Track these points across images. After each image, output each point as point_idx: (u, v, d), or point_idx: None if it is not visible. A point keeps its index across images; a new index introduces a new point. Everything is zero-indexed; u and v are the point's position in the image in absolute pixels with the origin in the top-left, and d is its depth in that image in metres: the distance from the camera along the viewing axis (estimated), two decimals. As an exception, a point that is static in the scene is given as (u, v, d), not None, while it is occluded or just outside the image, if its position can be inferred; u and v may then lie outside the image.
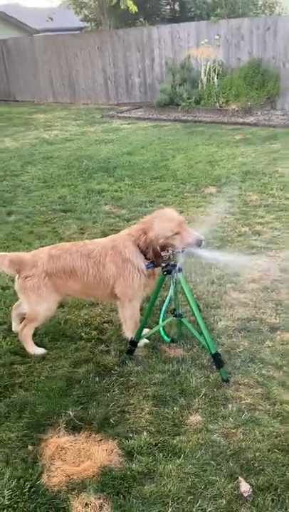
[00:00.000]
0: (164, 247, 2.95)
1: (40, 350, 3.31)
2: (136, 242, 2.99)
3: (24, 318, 3.30)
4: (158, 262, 2.97)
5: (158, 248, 2.91)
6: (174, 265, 2.88)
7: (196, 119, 11.49)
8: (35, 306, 3.17)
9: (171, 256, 2.91)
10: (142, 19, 15.42)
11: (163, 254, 2.89)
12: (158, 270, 3.11)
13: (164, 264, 2.95)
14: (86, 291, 3.29)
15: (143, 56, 14.17)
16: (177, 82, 12.53)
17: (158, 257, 2.94)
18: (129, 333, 3.25)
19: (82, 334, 3.46)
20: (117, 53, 14.69)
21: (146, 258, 3.01)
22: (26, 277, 3.12)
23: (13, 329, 3.52)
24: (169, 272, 2.89)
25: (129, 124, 11.81)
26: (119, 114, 13.03)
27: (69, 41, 15.76)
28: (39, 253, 3.23)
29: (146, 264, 3.02)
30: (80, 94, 16.12)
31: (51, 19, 16.52)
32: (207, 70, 11.96)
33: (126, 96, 15.04)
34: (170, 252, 2.89)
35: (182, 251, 2.90)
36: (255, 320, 3.51)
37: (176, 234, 2.88)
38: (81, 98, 16.10)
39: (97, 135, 10.56)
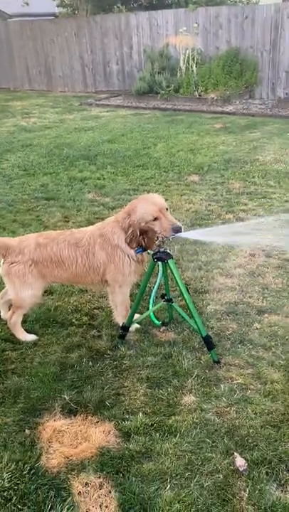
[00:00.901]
0: (144, 232, 2.97)
1: (32, 337, 3.31)
2: (123, 227, 3.01)
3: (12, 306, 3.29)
4: (132, 246, 2.99)
5: (137, 231, 2.93)
6: (165, 252, 2.91)
7: (176, 107, 11.51)
8: (20, 292, 3.16)
9: (162, 243, 2.94)
10: (119, 5, 15.22)
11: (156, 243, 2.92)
12: (147, 256, 3.14)
13: (152, 252, 2.98)
14: (74, 279, 3.29)
15: (121, 43, 14.04)
16: (156, 70, 12.49)
17: (133, 241, 2.96)
18: (120, 319, 3.28)
19: (73, 320, 3.47)
20: (95, 40, 14.50)
21: (130, 246, 3.04)
22: (12, 263, 3.11)
23: (1, 316, 3.51)
24: (159, 259, 2.92)
25: (108, 111, 11.72)
26: (98, 102, 12.92)
27: (45, 26, 15.46)
28: (26, 240, 3.20)
29: (136, 249, 3.05)
30: (57, 81, 15.88)
31: (27, 4, 16.14)
32: (186, 58, 11.95)
33: (104, 84, 14.90)
34: (160, 238, 2.92)
35: (172, 237, 2.93)
36: (243, 303, 3.60)
37: (156, 219, 2.90)
38: (58, 85, 15.86)
39: (77, 123, 10.45)
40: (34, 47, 15.86)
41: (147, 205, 2.95)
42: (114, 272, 3.12)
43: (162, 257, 2.90)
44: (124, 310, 3.26)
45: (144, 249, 3.07)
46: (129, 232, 2.95)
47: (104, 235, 3.08)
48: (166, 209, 2.95)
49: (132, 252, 3.04)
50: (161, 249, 2.93)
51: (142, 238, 2.98)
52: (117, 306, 3.27)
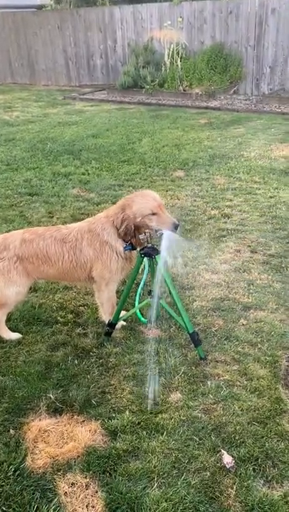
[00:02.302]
0: (138, 228, 2.94)
1: (15, 335, 3.26)
2: (114, 224, 2.97)
3: None
4: (126, 239, 2.96)
5: (132, 226, 2.90)
6: (153, 248, 2.88)
7: (160, 102, 11.46)
8: (4, 289, 3.08)
9: (149, 239, 2.91)
10: (103, -2, 15.10)
11: (141, 237, 2.89)
12: (135, 254, 3.11)
13: (139, 248, 2.96)
14: (61, 276, 3.23)
15: (105, 37, 13.90)
16: (140, 65, 12.40)
17: (128, 234, 2.93)
18: (106, 317, 3.25)
19: (58, 318, 3.43)
20: (78, 33, 14.33)
21: (124, 240, 3.01)
22: None
23: None
24: (146, 255, 2.90)
25: (92, 106, 11.61)
26: (82, 96, 12.79)
27: (28, 19, 15.22)
28: (11, 236, 3.14)
29: (124, 246, 3.01)
30: (40, 74, 15.66)
31: (9, -5, 15.86)
32: (170, 52, 11.89)
33: (88, 77, 14.76)
34: (148, 234, 2.89)
35: (160, 234, 2.90)
36: (229, 300, 3.60)
37: (154, 214, 2.88)
38: (41, 79, 15.66)
39: (60, 117, 10.33)
40: (16, 39, 15.61)
41: (147, 200, 2.92)
42: (101, 269, 3.08)
43: (149, 252, 2.88)
44: (110, 307, 3.23)
45: (133, 248, 3.04)
46: (123, 227, 2.91)
47: (93, 230, 3.03)
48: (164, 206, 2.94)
49: (121, 248, 3.00)
50: (149, 245, 2.90)
51: (144, 234, 2.94)
52: (104, 303, 3.24)
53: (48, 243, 3.04)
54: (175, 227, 2.88)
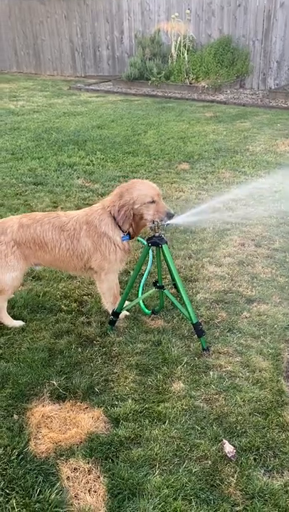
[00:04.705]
0: (133, 216, 2.94)
1: (19, 323, 3.27)
2: (111, 214, 2.97)
3: None
4: (125, 227, 2.96)
5: (131, 212, 2.90)
6: (160, 237, 2.89)
7: (166, 94, 11.40)
8: (1, 275, 3.07)
9: (156, 228, 2.92)
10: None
11: (149, 225, 2.90)
12: (133, 244, 3.11)
13: (141, 239, 2.97)
14: (57, 263, 3.21)
15: (112, 28, 13.81)
16: (147, 56, 12.33)
17: (126, 222, 2.93)
18: (109, 306, 3.26)
19: (62, 306, 3.44)
20: (85, 23, 14.23)
21: (122, 230, 3.01)
22: None
23: None
24: (154, 244, 2.91)
25: (97, 97, 11.56)
26: (87, 87, 12.73)
27: (35, 7, 15.10)
28: (9, 221, 3.12)
29: (122, 236, 3.01)
30: (45, 64, 15.58)
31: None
32: (177, 45, 11.81)
33: (94, 68, 14.67)
34: (156, 223, 2.89)
35: (166, 224, 2.91)
36: (232, 292, 3.60)
37: (153, 202, 2.89)
38: (47, 69, 15.58)
39: (66, 107, 10.29)
40: (23, 28, 15.52)
41: (147, 187, 2.93)
42: (100, 260, 3.07)
43: (157, 241, 2.89)
44: (111, 297, 3.24)
45: (131, 237, 3.04)
46: (122, 213, 2.90)
47: (91, 222, 3.01)
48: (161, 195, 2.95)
49: (119, 239, 3.00)
50: (156, 234, 2.91)
51: (152, 223, 2.94)
52: (105, 293, 3.25)
53: (46, 229, 3.03)
54: (169, 216, 2.89)
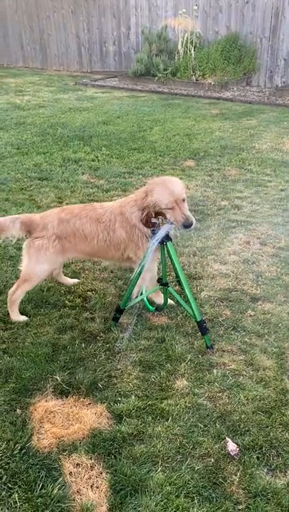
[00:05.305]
0: (158, 214, 2.94)
1: (23, 318, 3.27)
2: (140, 207, 2.97)
3: None
4: (148, 226, 2.96)
5: (152, 213, 2.90)
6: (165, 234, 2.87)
7: (172, 91, 11.35)
8: (34, 265, 3.13)
9: (160, 224, 2.90)
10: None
11: (153, 221, 2.88)
12: None
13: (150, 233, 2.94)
14: (96, 254, 3.31)
15: (119, 23, 13.75)
16: (154, 53, 12.26)
17: (147, 223, 2.93)
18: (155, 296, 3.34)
19: (66, 302, 3.44)
20: (92, 19, 14.17)
21: (147, 226, 3.00)
22: (36, 238, 3.11)
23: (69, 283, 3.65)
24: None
25: (103, 92, 11.53)
26: (93, 83, 12.68)
27: (42, 2, 15.03)
28: (48, 216, 3.20)
29: (153, 229, 2.99)
30: (51, 59, 15.53)
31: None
32: (184, 41, 11.75)
33: (100, 64, 14.62)
34: (160, 220, 2.88)
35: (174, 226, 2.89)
36: (237, 291, 3.59)
37: (170, 209, 2.86)
38: (53, 64, 15.53)
39: (71, 103, 10.26)
40: (29, 22, 15.46)
41: (164, 193, 2.86)
42: (135, 250, 3.12)
43: (162, 239, 2.87)
44: (152, 285, 3.23)
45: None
46: (144, 214, 2.92)
47: (124, 213, 3.06)
48: (184, 200, 2.87)
49: (149, 231, 2.99)
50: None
51: (156, 219, 2.93)
52: (146, 280, 3.17)
53: (84, 222, 3.11)
54: (186, 226, 2.86)
